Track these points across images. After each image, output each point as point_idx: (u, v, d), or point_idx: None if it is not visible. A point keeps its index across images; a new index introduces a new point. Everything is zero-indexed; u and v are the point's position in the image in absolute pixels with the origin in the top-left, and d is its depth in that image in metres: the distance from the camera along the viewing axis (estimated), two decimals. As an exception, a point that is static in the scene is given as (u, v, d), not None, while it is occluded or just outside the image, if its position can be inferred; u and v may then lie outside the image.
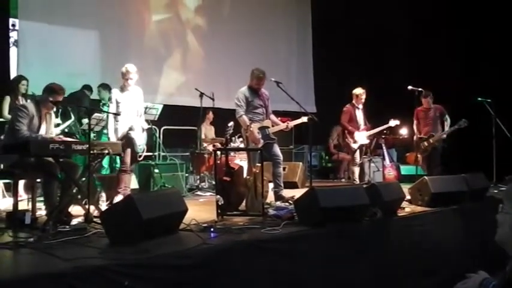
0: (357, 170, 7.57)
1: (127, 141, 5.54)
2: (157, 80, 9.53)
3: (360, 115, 7.53)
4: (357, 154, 7.52)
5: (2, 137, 4.98)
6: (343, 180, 9.50)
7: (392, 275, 4.53)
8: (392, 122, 7.62)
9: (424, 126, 7.63)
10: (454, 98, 8.36)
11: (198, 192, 7.19)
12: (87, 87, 7.83)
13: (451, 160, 7.58)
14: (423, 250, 4.89)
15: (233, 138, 7.26)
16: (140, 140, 5.72)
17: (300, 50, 11.88)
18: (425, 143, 7.56)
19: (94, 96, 7.87)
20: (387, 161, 8.66)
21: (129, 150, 5.58)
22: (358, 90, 7.53)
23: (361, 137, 7.46)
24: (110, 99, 5.65)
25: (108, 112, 5.47)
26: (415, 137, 7.76)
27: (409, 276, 4.68)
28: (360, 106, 7.54)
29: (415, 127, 7.75)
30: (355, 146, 7.48)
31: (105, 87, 7.61)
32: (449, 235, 5.27)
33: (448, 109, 7.67)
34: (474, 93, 7.98)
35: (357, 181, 7.43)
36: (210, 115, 8.68)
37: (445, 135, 7.53)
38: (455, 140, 7.62)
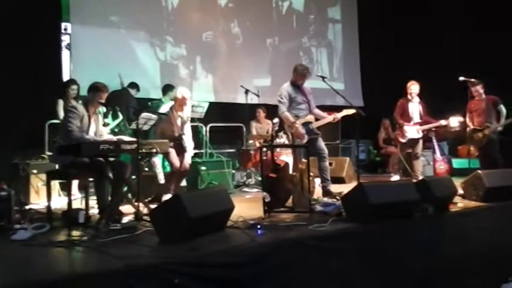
0: (418, 163, 7.27)
1: (176, 146, 5.65)
2: (204, 78, 9.64)
3: (414, 108, 7.20)
4: (419, 147, 7.24)
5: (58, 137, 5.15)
6: (392, 174, 9.30)
7: (443, 273, 4.39)
8: (452, 120, 7.23)
9: (477, 118, 7.33)
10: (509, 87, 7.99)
11: (245, 189, 7.23)
12: (132, 85, 7.98)
13: (510, 153, 7.23)
14: (477, 248, 4.72)
15: (279, 134, 7.25)
16: (190, 146, 5.86)
17: (346, 43, 11.70)
18: (480, 134, 7.25)
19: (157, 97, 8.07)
20: (438, 155, 8.41)
21: (174, 153, 5.66)
22: (409, 83, 7.25)
23: (412, 131, 7.20)
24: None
25: (155, 112, 5.56)
26: (467, 129, 7.46)
27: (459, 274, 4.53)
28: (415, 99, 7.22)
29: (467, 119, 7.46)
30: (403, 140, 7.27)
31: (170, 88, 7.71)
32: (506, 232, 5.05)
33: (504, 100, 7.30)
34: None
35: (419, 175, 7.02)
36: (261, 113, 8.65)
37: (500, 128, 7.18)
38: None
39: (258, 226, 3.94)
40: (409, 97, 7.22)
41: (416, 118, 7.21)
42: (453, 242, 4.57)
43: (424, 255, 4.30)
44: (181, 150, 5.76)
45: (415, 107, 7.22)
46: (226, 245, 3.54)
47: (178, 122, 5.79)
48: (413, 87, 7.20)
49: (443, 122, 7.17)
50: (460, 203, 5.21)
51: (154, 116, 6.11)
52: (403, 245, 4.20)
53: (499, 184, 5.38)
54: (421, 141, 7.24)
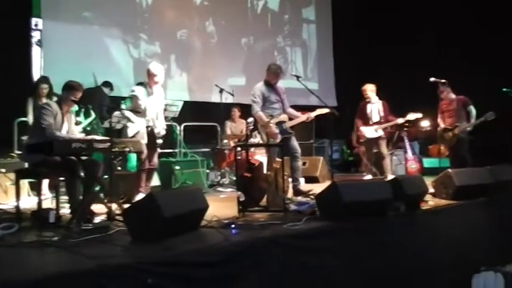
0: (386, 162, 7.36)
1: (148, 137, 5.55)
2: (178, 76, 9.58)
3: (372, 109, 7.37)
4: (383, 147, 7.35)
5: (25, 137, 5.03)
6: (364, 173, 9.41)
7: (416, 270, 4.46)
8: (411, 116, 7.34)
9: (448, 118, 7.50)
10: (481, 89, 8.16)
11: (219, 188, 7.22)
12: (106, 84, 7.88)
13: (479, 153, 7.39)
14: (449, 243, 4.82)
15: (253, 133, 7.25)
16: (160, 127, 5.70)
17: (320, 43, 11.80)
18: (450, 134, 7.42)
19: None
20: (409, 154, 8.57)
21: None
22: (363, 87, 7.45)
23: (369, 131, 7.33)
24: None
25: (127, 109, 5.49)
26: (438, 129, 7.62)
27: (432, 269, 4.62)
28: (374, 100, 7.39)
29: (439, 120, 7.61)
30: (362, 141, 7.43)
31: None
32: (475, 228, 5.17)
33: (474, 101, 7.47)
34: (501, 84, 7.78)
35: (388, 174, 7.12)
36: (236, 112, 8.67)
37: (469, 128, 7.34)
38: (482, 132, 7.43)
39: (233, 225, 3.92)
40: (366, 99, 7.40)
41: (375, 118, 7.36)
42: (425, 239, 4.65)
43: (397, 253, 4.36)
44: (152, 143, 5.62)
45: (374, 108, 7.39)
46: (201, 245, 3.52)
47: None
48: (366, 90, 7.39)
49: (400, 120, 7.29)
50: (431, 201, 5.31)
51: (128, 114, 6.01)
52: (376, 243, 4.25)
53: (468, 182, 5.49)
54: (382, 140, 7.34)
